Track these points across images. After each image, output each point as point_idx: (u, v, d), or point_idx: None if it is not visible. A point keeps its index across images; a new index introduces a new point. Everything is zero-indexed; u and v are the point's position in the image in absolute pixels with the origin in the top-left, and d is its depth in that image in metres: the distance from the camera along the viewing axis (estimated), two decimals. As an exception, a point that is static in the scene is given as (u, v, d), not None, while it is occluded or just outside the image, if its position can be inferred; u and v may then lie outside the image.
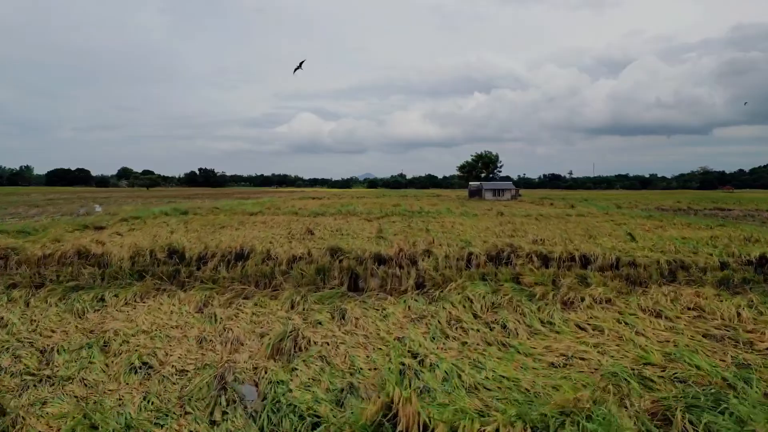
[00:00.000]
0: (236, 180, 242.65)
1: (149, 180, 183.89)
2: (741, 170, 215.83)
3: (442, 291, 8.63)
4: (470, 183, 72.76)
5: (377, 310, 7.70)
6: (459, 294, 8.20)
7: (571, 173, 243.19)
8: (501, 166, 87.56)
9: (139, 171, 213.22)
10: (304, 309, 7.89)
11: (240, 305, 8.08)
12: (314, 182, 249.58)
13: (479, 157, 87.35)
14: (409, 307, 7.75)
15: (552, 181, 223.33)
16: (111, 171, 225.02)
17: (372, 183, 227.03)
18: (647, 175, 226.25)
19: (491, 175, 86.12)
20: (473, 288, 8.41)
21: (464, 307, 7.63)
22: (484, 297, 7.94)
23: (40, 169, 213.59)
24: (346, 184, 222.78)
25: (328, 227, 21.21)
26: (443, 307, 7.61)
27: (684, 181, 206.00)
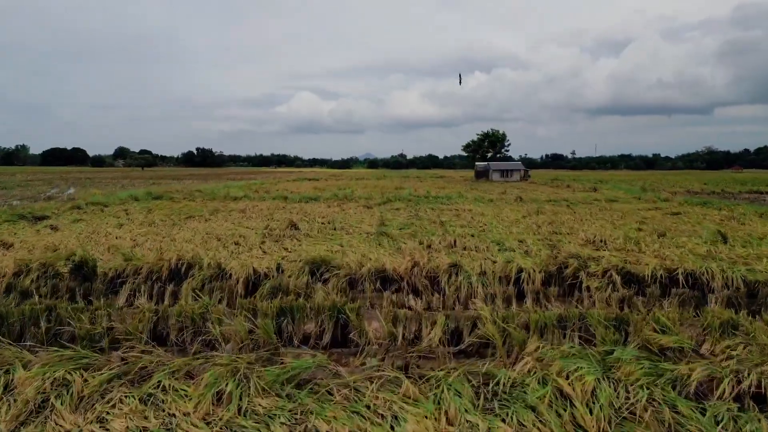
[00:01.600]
0: (235, 160, 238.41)
1: (144, 160, 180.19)
2: (746, 150, 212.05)
3: (505, 367, 4.61)
4: (477, 163, 68.58)
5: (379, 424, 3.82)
6: (544, 389, 4.09)
7: (573, 153, 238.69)
8: (509, 145, 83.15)
9: (137, 151, 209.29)
10: (238, 411, 4.12)
11: (120, 399, 4.27)
12: (313, 162, 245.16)
13: (485, 136, 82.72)
14: (446, 415, 3.91)
15: (554, 162, 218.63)
16: (109, 151, 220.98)
17: (372, 163, 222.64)
18: (650, 155, 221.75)
19: (498, 155, 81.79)
20: (565, 365, 4.52)
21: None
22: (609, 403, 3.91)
23: (37, 149, 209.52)
24: (346, 164, 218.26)
25: (318, 218, 17.35)
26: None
27: (689, 161, 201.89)
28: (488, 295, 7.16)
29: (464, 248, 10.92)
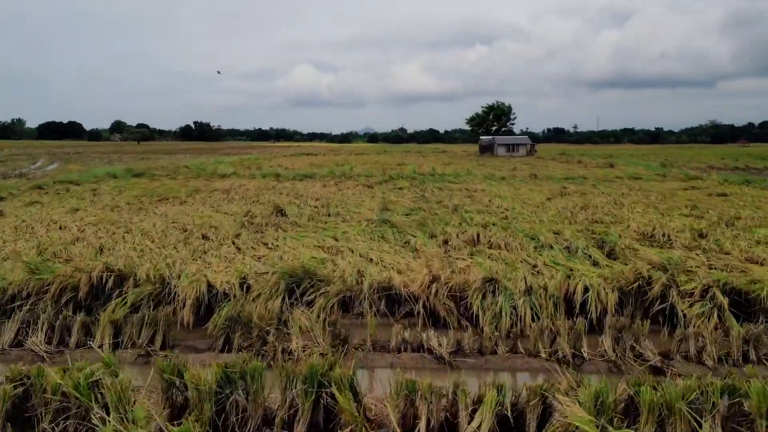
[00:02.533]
0: (233, 134, 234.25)
1: (141, 134, 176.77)
2: (750, 123, 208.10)
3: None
4: (481, 137, 65.69)
5: None
6: None
7: (576, 127, 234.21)
8: (514, 119, 79.77)
9: (134, 125, 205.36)
10: None
11: None
12: (313, 136, 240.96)
13: (490, 109, 79.33)
14: None
15: (557, 136, 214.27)
16: (107, 125, 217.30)
17: (372, 137, 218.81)
18: (653, 129, 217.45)
19: (503, 129, 78.64)
20: None
21: None
22: None
23: (34, 123, 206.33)
24: (345, 138, 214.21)
25: (311, 200, 15.02)
26: None
27: (693, 135, 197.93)
28: (544, 330, 4.89)
29: (490, 244, 8.63)
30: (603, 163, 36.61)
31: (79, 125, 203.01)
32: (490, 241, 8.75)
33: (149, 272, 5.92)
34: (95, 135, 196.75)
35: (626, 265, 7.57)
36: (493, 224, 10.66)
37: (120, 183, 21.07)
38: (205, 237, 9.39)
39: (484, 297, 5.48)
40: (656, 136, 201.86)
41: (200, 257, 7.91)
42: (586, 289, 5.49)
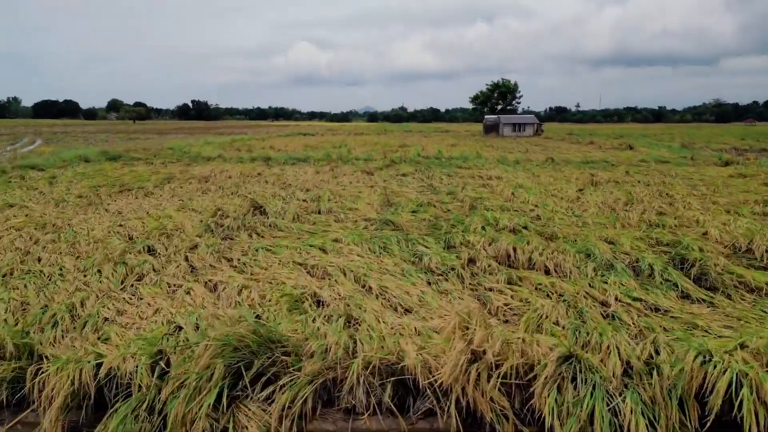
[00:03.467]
0: (231, 113, 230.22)
1: (137, 113, 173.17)
2: (755, 102, 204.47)
3: None
4: (486, 117, 62.79)
5: None
6: None
7: (578, 106, 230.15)
8: (520, 97, 76.42)
9: (131, 103, 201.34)
10: None
11: None
12: (312, 115, 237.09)
13: (495, 86, 75.97)
14: None
15: (559, 114, 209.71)
16: (103, 103, 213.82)
17: (372, 116, 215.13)
18: (656, 108, 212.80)
19: (509, 107, 75.49)
20: None
21: None
22: None
23: (30, 101, 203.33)
24: (345, 117, 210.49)
25: (299, 192, 12.73)
26: None
27: (697, 114, 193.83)
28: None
29: (531, 264, 6.38)
30: (618, 145, 34.09)
31: (75, 104, 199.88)
32: (530, 258, 6.48)
33: (13, 338, 3.66)
34: (91, 114, 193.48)
35: (730, 298, 5.35)
36: (525, 228, 8.39)
37: (88, 169, 18.74)
38: (150, 251, 7.11)
39: (559, 390, 3.23)
40: (660, 115, 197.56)
41: (131, 286, 5.67)
42: (729, 385, 3.24)
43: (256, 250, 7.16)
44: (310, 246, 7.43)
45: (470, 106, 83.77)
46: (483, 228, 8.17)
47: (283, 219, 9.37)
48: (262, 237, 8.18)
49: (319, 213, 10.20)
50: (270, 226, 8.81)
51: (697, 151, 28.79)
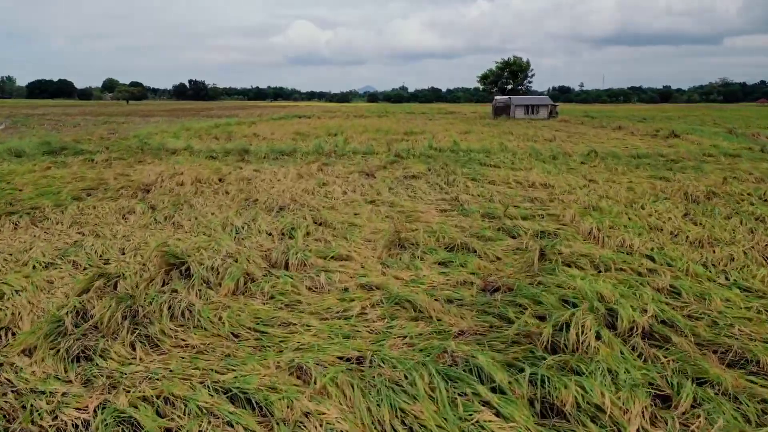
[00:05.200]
0: (229, 93, 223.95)
1: (130, 93, 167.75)
2: (762, 81, 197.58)
3: None
4: (496, 98, 58.03)
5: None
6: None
7: (582, 86, 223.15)
8: (533, 76, 71.22)
9: (127, 83, 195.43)
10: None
11: None
12: (312, 95, 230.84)
13: (506, 65, 70.74)
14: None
15: (563, 95, 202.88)
16: (98, 83, 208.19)
17: (372, 97, 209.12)
18: (661, 87, 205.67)
19: (520, 87, 70.50)
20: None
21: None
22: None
23: (24, 81, 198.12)
24: (345, 98, 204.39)
25: (266, 215, 8.60)
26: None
27: (704, 94, 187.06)
28: None
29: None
30: (654, 131, 29.49)
31: (69, 83, 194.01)
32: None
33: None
34: (86, 94, 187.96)
35: None
36: (670, 326, 4.30)
37: (14, 167, 14.58)
38: None
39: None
40: (666, 95, 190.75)
41: None
42: None
43: (114, 411, 3.08)
44: (243, 392, 3.37)
45: (475, 85, 78.80)
46: (598, 336, 4.03)
47: (214, 291, 5.27)
48: (156, 349, 4.12)
49: (286, 267, 6.10)
50: (183, 314, 4.71)
51: (752, 139, 24.52)
